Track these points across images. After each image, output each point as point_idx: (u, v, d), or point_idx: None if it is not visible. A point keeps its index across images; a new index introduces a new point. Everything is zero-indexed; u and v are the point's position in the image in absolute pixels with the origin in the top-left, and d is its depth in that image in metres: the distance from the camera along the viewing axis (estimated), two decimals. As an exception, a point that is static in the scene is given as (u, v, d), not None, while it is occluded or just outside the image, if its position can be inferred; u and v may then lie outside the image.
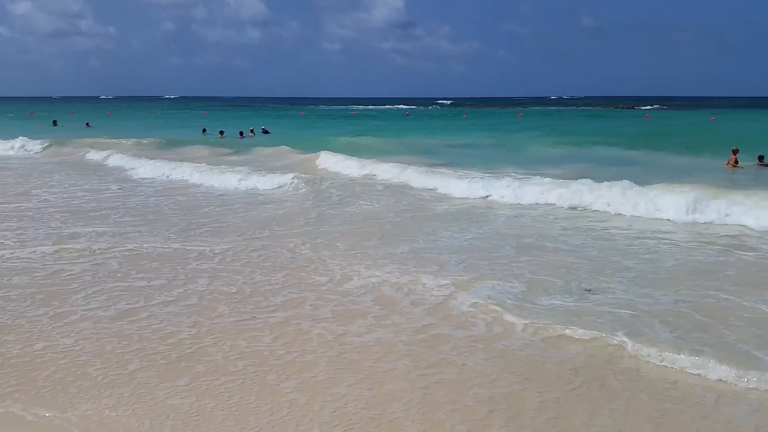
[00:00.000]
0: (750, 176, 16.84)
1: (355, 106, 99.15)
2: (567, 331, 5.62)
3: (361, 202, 13.02)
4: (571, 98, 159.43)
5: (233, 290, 7.04)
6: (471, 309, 6.32)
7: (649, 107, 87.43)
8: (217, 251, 8.70)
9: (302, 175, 15.75)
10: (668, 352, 5.12)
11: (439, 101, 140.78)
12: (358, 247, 8.97)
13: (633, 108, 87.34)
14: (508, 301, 6.46)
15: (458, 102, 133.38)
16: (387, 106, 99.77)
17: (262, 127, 35.36)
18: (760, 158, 18.41)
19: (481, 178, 14.60)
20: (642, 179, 12.82)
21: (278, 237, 9.65)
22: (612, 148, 25.64)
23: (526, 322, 5.87)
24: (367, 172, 17.64)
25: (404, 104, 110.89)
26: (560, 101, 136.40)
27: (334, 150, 21.15)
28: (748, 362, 4.93)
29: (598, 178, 12.99)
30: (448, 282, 7.13)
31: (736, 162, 18.17)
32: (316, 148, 22.58)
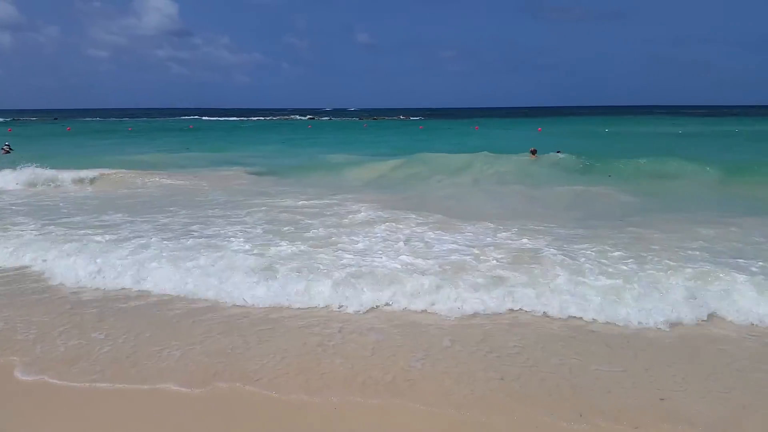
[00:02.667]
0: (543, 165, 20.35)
1: (128, 120, 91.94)
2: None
3: None
4: (357, 110, 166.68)
5: None
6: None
7: (420, 118, 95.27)
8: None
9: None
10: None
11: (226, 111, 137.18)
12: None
13: (409, 118, 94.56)
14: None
15: (248, 112, 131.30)
16: (170, 118, 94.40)
17: (5, 144, 29.55)
18: (533, 152, 22.22)
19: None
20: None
21: None
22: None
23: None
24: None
25: (187, 115, 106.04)
26: (349, 113, 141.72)
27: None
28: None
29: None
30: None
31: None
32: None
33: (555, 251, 8.04)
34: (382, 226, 10.02)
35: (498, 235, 9.35)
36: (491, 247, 8.45)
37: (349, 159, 24.24)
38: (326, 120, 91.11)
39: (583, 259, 7.70)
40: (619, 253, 8.01)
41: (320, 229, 9.87)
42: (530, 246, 8.57)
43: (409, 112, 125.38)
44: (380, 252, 8.34)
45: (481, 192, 15.68)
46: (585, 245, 8.46)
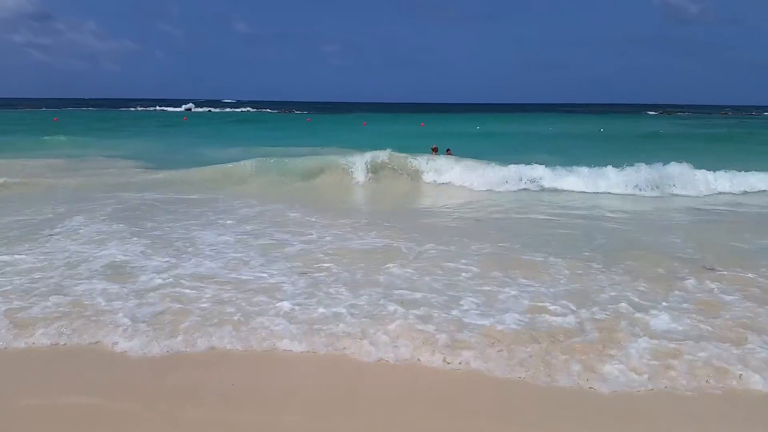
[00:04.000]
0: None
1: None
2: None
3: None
4: (237, 102, 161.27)
5: None
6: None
7: (306, 112, 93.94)
8: None
9: None
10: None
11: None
12: None
13: (293, 112, 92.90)
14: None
15: (118, 102, 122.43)
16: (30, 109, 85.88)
17: None
18: (446, 150, 21.41)
19: None
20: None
21: None
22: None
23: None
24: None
25: (47, 106, 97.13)
26: (228, 104, 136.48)
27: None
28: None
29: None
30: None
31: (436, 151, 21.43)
32: None
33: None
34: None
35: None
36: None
37: (229, 154, 23.03)
38: (204, 112, 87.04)
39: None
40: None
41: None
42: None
43: (292, 105, 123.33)
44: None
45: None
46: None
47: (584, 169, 15.55)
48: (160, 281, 6.91)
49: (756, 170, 15.58)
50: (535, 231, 9.99)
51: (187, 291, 6.55)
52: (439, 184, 16.08)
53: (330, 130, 44.76)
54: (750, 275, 7.21)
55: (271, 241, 8.84)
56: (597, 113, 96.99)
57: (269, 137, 35.33)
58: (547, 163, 16.17)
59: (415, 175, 16.58)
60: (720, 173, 15.34)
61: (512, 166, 15.97)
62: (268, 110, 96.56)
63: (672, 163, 15.33)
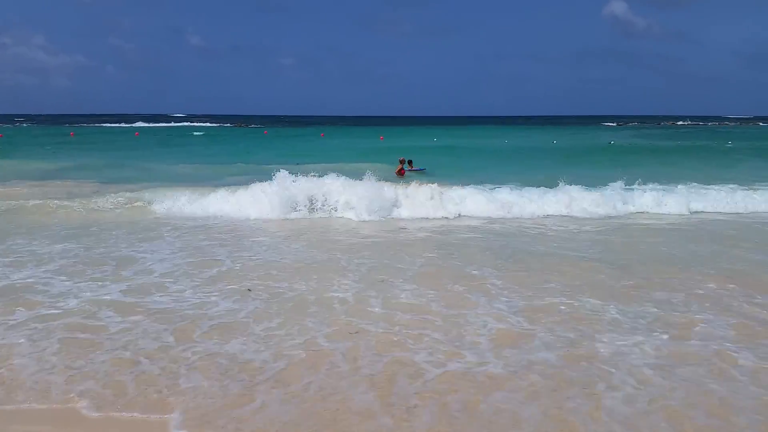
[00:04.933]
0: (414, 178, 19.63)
1: None
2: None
3: None
4: (189, 116, 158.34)
5: None
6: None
7: (262, 125, 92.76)
8: None
9: None
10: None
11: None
12: None
13: (249, 126, 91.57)
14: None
15: (66, 118, 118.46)
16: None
17: None
18: (410, 162, 21.60)
19: None
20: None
21: None
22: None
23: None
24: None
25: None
26: (179, 119, 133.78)
27: None
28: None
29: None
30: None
31: (403, 170, 21.06)
32: None
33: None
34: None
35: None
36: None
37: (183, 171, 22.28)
38: (159, 127, 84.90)
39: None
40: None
41: None
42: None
43: (249, 119, 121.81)
44: None
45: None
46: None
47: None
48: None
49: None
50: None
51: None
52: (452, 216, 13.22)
53: (287, 144, 44.18)
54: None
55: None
56: (552, 125, 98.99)
57: (226, 153, 34.56)
58: (504, 180, 16.22)
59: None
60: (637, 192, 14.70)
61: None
62: (226, 124, 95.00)
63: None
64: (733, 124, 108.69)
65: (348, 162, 24.45)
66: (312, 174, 13.81)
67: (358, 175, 13.83)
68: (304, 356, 5.33)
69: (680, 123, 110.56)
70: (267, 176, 13.69)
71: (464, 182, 15.08)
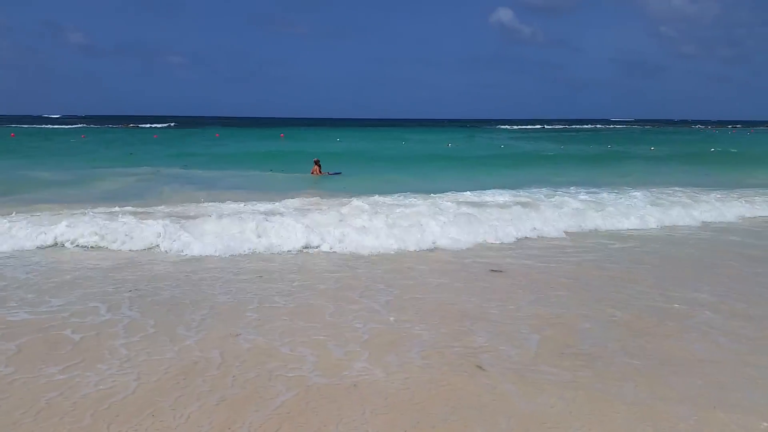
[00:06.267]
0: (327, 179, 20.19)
1: None
2: None
3: None
4: (69, 117, 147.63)
5: None
6: None
7: (152, 125, 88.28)
8: None
9: None
10: None
11: None
12: None
13: (138, 127, 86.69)
14: None
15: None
16: None
17: None
18: (316, 162, 21.71)
19: None
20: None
21: None
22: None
23: None
24: None
25: None
26: (58, 120, 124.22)
27: None
28: None
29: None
30: None
31: (320, 171, 21.35)
32: None
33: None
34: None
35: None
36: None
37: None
38: (36, 128, 78.15)
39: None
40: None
41: None
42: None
43: (137, 119, 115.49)
44: None
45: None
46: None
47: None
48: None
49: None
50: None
51: None
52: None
53: (181, 144, 42.09)
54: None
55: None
56: (447, 128, 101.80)
57: (105, 158, 32.31)
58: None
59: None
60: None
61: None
62: (109, 125, 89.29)
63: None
64: (612, 127, 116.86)
65: (244, 168, 23.89)
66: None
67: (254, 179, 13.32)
68: None
69: (560, 126, 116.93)
70: (144, 180, 12.67)
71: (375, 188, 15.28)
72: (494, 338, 5.67)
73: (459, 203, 12.59)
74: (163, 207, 12.34)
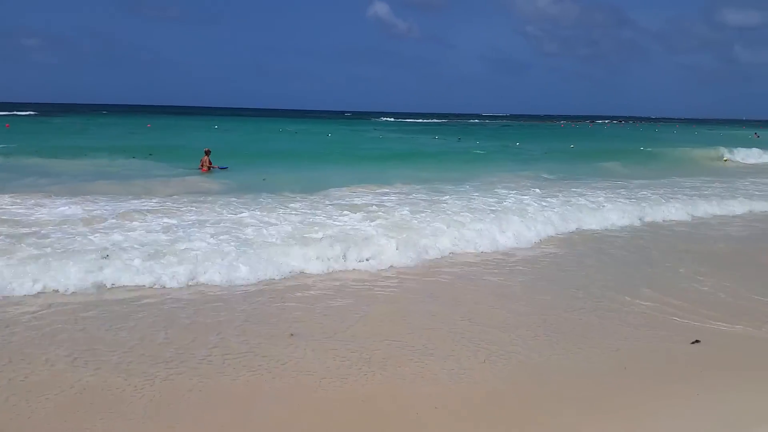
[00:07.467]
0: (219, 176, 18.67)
1: None
2: None
3: None
4: None
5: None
6: None
7: (9, 113, 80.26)
8: None
9: None
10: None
11: None
12: None
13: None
14: None
15: None
16: None
17: None
18: (207, 152, 19.62)
19: None
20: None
21: None
22: None
23: None
24: None
25: None
26: None
27: None
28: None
29: None
30: None
31: (210, 164, 19.30)
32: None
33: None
34: None
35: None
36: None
37: None
38: None
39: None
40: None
41: None
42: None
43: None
44: None
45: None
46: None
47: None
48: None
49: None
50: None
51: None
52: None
53: (32, 134, 38.40)
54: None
55: None
56: (327, 119, 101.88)
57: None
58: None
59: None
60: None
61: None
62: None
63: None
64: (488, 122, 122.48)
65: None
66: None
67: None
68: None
69: (435, 120, 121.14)
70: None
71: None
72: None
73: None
74: None
